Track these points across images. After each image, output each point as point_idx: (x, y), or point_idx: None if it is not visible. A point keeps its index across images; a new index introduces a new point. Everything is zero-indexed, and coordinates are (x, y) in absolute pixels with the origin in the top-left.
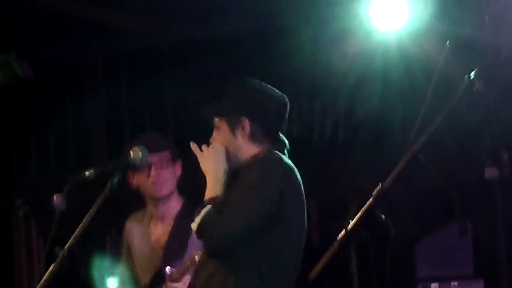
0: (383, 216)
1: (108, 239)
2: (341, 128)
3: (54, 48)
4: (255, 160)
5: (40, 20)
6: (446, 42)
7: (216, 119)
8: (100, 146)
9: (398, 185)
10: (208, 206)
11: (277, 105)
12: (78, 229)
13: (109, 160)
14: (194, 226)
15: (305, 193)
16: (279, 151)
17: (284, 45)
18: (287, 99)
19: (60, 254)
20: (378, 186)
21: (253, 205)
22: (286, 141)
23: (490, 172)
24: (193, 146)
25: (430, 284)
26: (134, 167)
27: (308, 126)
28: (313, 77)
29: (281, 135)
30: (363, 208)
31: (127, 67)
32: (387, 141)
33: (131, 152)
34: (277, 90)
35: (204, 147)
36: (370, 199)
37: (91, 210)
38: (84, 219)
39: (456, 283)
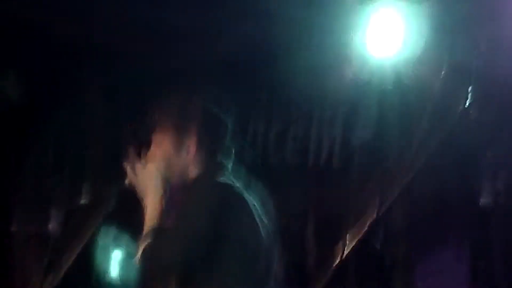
0: (379, 244)
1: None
2: (336, 154)
3: (51, 71)
4: (197, 185)
5: (39, 44)
6: (442, 68)
7: (158, 134)
8: (96, 170)
9: (393, 213)
10: (147, 238)
11: (221, 125)
12: (73, 252)
13: (105, 183)
14: (136, 258)
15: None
16: (221, 172)
17: (278, 71)
18: (229, 118)
19: (56, 277)
20: (373, 215)
21: (187, 237)
22: (229, 162)
23: (485, 200)
24: (127, 166)
25: None
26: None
27: (302, 152)
28: (308, 103)
29: (223, 155)
30: (358, 237)
31: (126, 89)
32: (383, 167)
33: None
34: (219, 109)
35: (138, 167)
36: (366, 228)
37: (86, 234)
38: (79, 243)
39: None
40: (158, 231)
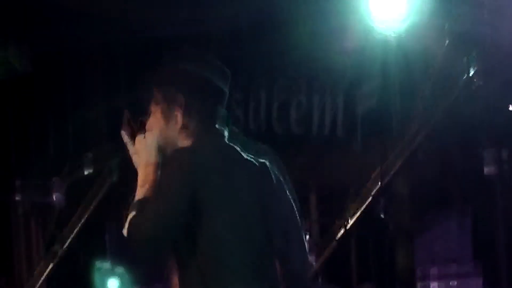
0: (383, 213)
1: (107, 226)
2: (340, 122)
3: (53, 38)
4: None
5: (39, 11)
6: (445, 37)
7: (152, 103)
8: (100, 140)
9: (397, 181)
10: (133, 212)
11: (213, 92)
12: (76, 215)
13: (108, 153)
14: (124, 232)
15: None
16: (214, 141)
17: (283, 39)
18: (229, 77)
19: (59, 240)
20: (378, 182)
21: (161, 205)
22: (226, 131)
23: (490, 169)
24: (125, 136)
25: (429, 268)
26: None
27: (306, 120)
28: (312, 71)
29: (217, 123)
30: (363, 204)
31: (126, 56)
32: (386, 135)
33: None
34: (217, 67)
35: (138, 138)
36: (370, 196)
37: (89, 203)
38: (82, 213)
39: (455, 278)
40: (144, 202)
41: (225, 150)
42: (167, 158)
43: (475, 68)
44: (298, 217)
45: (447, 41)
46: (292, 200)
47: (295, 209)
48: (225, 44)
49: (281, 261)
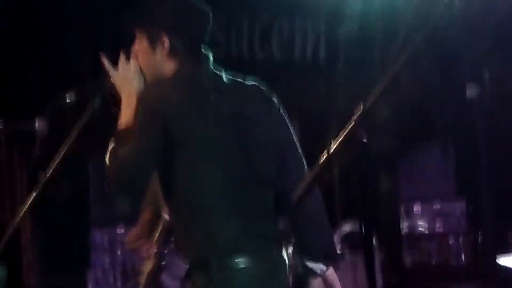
0: (365, 137)
1: (90, 162)
2: (322, 48)
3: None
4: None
5: None
6: None
7: (136, 28)
8: (81, 66)
9: (379, 104)
10: (113, 143)
11: (199, 17)
12: (59, 152)
13: (90, 79)
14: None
15: (283, 113)
16: (201, 67)
17: None
18: (209, 10)
19: (42, 178)
20: (359, 107)
21: (136, 138)
22: (210, 55)
23: (471, 90)
24: (104, 60)
25: (413, 204)
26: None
27: (288, 45)
28: None
29: (203, 49)
30: (345, 129)
31: None
32: (368, 60)
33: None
34: (198, 1)
35: (120, 63)
36: (351, 121)
37: (72, 132)
38: (66, 142)
39: (438, 203)
40: (124, 132)
41: (209, 77)
42: (141, 91)
43: None
44: (296, 143)
45: None
46: (289, 126)
47: (292, 134)
48: None
49: (280, 192)
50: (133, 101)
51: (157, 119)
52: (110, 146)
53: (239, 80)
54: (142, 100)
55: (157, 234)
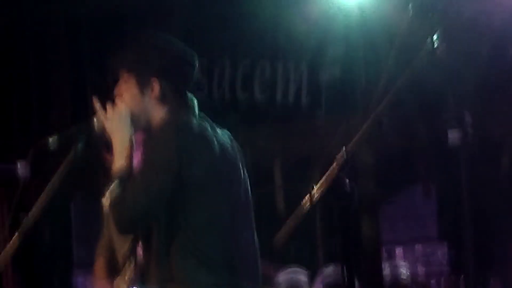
0: (347, 180)
1: (72, 205)
2: (304, 91)
3: (16, 11)
4: (162, 126)
5: None
6: (409, 5)
7: (124, 73)
8: (64, 110)
9: (362, 149)
10: (115, 182)
11: (188, 62)
12: (42, 196)
13: (73, 124)
14: (105, 202)
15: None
16: (188, 113)
17: (247, 7)
18: (196, 56)
19: (24, 221)
20: (342, 150)
21: (151, 179)
22: (195, 101)
23: (453, 135)
24: (96, 103)
25: (395, 247)
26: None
27: (271, 88)
28: (275, 39)
29: (189, 95)
30: (327, 172)
31: (90, 31)
32: (350, 103)
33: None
34: (186, 46)
35: (108, 107)
36: (334, 163)
37: (55, 176)
38: (48, 186)
39: (420, 247)
40: (124, 175)
41: (202, 125)
42: (152, 133)
43: (439, 37)
44: (251, 201)
45: (410, 9)
46: (247, 181)
47: (249, 191)
48: (189, 12)
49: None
50: (127, 146)
51: (172, 167)
52: (112, 191)
53: (216, 125)
54: (154, 147)
55: (127, 274)
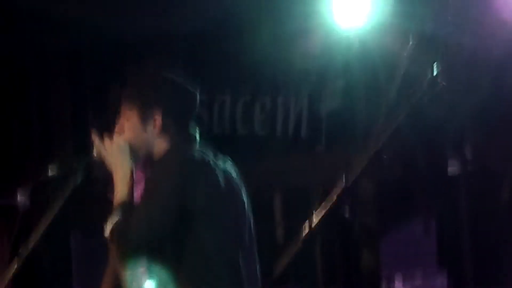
0: (347, 214)
1: (71, 235)
2: (304, 124)
3: (15, 42)
4: (164, 159)
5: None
6: (409, 38)
7: (126, 105)
8: (64, 142)
9: (361, 182)
10: (116, 213)
11: (190, 96)
12: (41, 225)
13: (73, 156)
14: (107, 233)
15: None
16: (190, 145)
17: (247, 40)
18: (198, 90)
19: (24, 251)
20: (342, 184)
21: (153, 212)
22: (198, 132)
23: (453, 168)
24: (95, 137)
25: (394, 279)
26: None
27: (270, 122)
28: (275, 73)
29: (192, 124)
30: (327, 206)
31: (91, 62)
32: (351, 136)
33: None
34: (188, 81)
35: (106, 141)
36: (334, 198)
37: (54, 206)
38: (47, 216)
39: (419, 279)
40: (126, 207)
41: (205, 156)
42: (155, 165)
43: (439, 69)
44: (254, 235)
45: (411, 42)
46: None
47: (252, 223)
48: (189, 46)
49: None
50: (127, 178)
51: (175, 199)
52: (113, 222)
53: (219, 155)
54: (156, 179)
55: None
